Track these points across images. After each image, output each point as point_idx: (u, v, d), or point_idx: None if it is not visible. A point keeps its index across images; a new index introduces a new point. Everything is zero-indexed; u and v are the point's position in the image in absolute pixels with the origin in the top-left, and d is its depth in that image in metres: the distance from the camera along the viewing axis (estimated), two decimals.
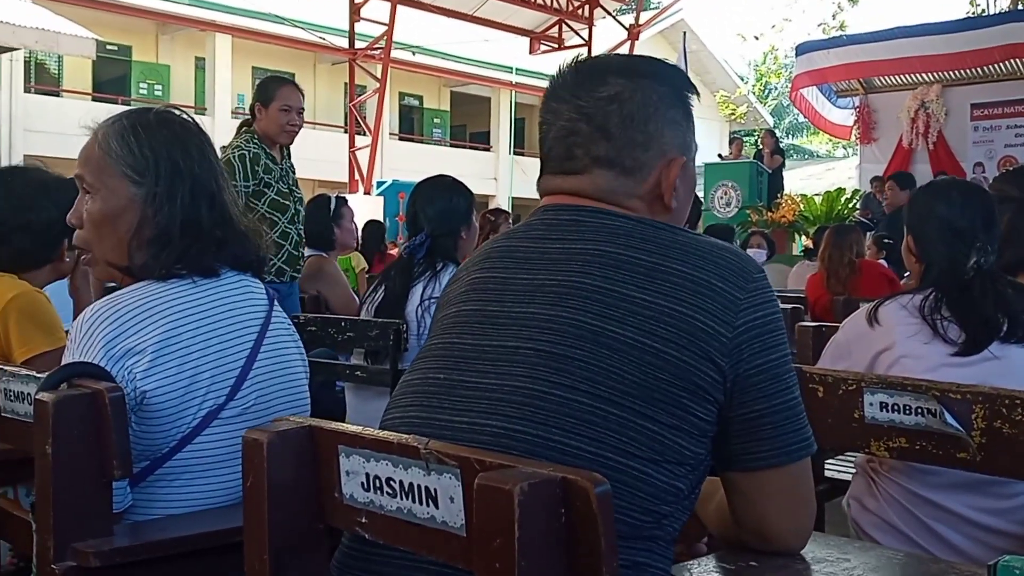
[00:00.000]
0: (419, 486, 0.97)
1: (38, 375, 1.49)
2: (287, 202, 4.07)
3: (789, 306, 3.95)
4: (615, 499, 0.89)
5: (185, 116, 1.69)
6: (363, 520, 1.05)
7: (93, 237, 1.62)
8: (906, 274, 3.85)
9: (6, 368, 1.62)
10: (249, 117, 4.11)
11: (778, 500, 1.20)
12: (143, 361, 1.47)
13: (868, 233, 6.92)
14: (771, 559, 1.22)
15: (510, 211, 11.65)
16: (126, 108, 1.72)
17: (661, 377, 1.11)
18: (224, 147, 3.99)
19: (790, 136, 33.24)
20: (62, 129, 13.96)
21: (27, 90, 18.35)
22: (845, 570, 1.21)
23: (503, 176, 23.97)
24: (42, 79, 19.38)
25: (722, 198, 12.72)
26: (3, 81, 15.80)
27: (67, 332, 1.96)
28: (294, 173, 4.19)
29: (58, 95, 19.28)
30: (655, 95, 1.27)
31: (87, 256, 1.67)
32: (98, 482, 1.36)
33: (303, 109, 4.12)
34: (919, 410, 1.75)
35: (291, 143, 4.13)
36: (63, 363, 1.48)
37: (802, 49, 13.82)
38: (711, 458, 1.19)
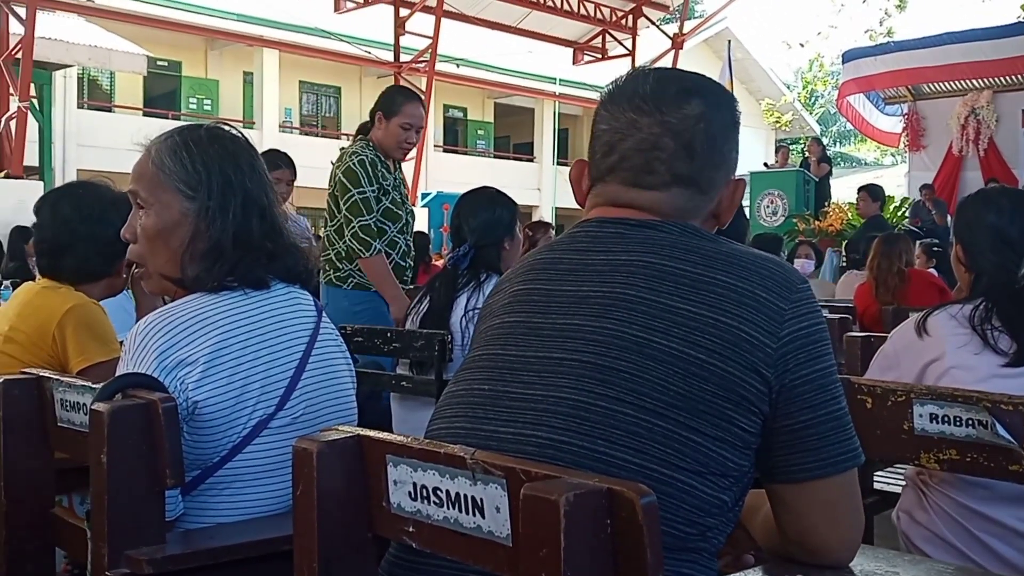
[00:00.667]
0: (465, 496, 0.98)
1: (93, 386, 1.52)
2: (400, 211, 3.96)
3: (837, 316, 3.91)
4: (660, 511, 0.89)
5: (235, 132, 1.72)
6: (410, 529, 1.05)
7: (147, 251, 1.65)
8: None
9: (62, 379, 1.66)
10: (367, 123, 3.98)
11: (825, 512, 1.19)
12: (195, 372, 1.50)
13: (917, 242, 6.83)
14: (818, 572, 1.21)
15: (553, 221, 11.65)
16: (177, 124, 1.75)
17: (706, 388, 1.11)
18: (342, 151, 3.93)
19: (837, 144, 32.88)
20: (114, 144, 14.21)
21: (80, 106, 18.73)
22: None
23: (547, 186, 23.97)
24: (94, 95, 19.77)
25: (768, 207, 12.61)
26: (57, 97, 16.14)
27: (122, 343, 2.00)
28: (406, 187, 4.13)
29: (110, 110, 19.66)
30: (729, 116, 1.29)
31: (140, 270, 1.70)
32: (151, 491, 1.39)
33: (421, 128, 4.07)
34: (970, 422, 1.72)
35: (404, 160, 4.10)
36: (117, 374, 1.51)
37: (849, 56, 13.69)
38: (756, 470, 1.18)
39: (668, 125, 1.24)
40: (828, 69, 30.68)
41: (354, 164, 3.80)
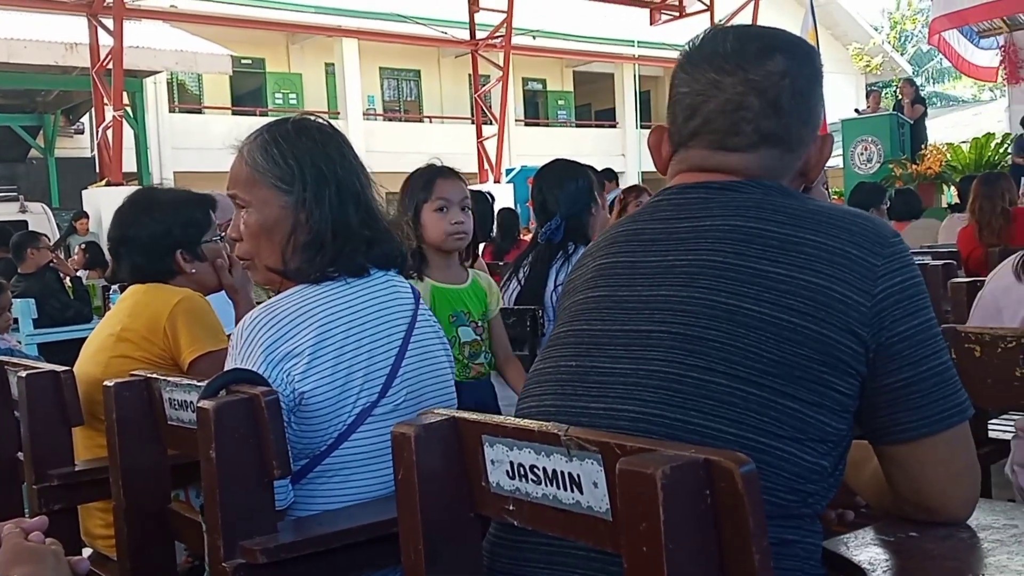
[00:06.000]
0: (562, 472, 0.98)
1: (199, 383, 1.57)
2: None
3: (941, 262, 3.78)
4: (760, 480, 0.87)
5: (321, 121, 1.74)
6: (511, 507, 1.06)
7: (252, 248, 1.70)
8: None
9: (169, 379, 1.71)
10: None
11: (938, 470, 1.15)
12: (300, 363, 1.53)
13: (1022, 178, 6.54)
14: (933, 529, 1.17)
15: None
16: (265, 121, 1.79)
17: (800, 353, 1.09)
18: None
19: (932, 83, 31.68)
20: (207, 144, 14.60)
21: (172, 110, 19.30)
22: (1013, 536, 1.15)
23: (631, 151, 23.74)
24: (184, 98, 20.33)
25: (862, 154, 12.23)
26: (149, 103, 16.63)
27: (228, 336, 2.05)
28: None
29: (200, 112, 20.19)
30: (812, 70, 1.25)
31: (248, 263, 1.75)
32: (260, 482, 1.42)
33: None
34: None
35: None
36: (226, 368, 1.56)
37: None
38: (862, 431, 1.15)
39: (752, 83, 1.21)
40: (917, 6, 29.58)
41: None
